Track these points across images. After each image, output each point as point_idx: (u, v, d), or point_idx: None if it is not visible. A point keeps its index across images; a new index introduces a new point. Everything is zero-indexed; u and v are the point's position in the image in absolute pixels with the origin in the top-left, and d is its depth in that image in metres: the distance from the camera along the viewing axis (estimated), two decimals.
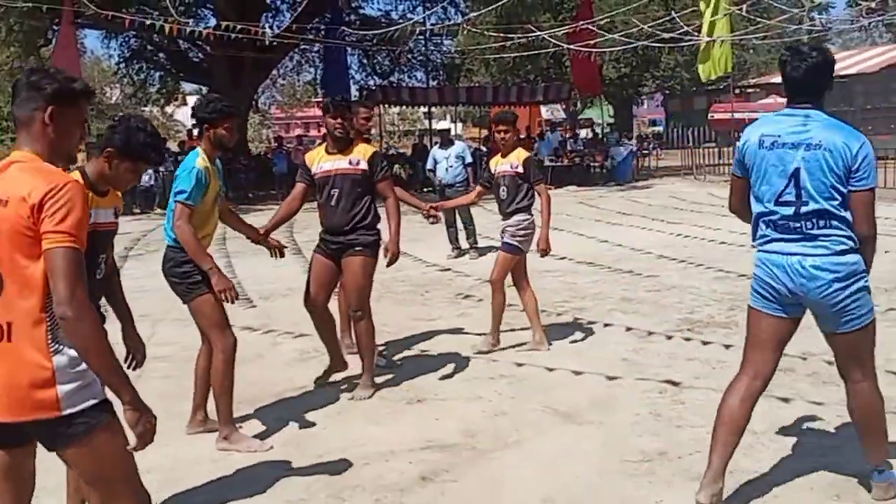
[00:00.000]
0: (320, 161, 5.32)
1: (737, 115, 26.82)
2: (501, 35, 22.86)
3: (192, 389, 4.81)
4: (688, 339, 6.31)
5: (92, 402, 2.42)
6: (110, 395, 2.50)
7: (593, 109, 38.46)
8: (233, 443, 4.48)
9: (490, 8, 20.54)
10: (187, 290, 4.47)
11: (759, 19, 21.96)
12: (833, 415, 4.57)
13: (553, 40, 21.93)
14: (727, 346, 6.03)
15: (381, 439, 4.53)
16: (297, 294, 6.65)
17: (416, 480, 4.00)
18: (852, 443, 4.16)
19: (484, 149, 26.36)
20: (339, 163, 5.24)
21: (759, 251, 3.51)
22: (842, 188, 3.29)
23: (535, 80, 30.09)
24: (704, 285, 8.27)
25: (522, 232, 6.12)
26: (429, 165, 12.01)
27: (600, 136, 28.19)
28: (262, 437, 4.64)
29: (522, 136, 25.34)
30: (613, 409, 4.86)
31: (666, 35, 21.66)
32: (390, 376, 5.69)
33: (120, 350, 2.91)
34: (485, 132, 31.64)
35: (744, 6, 19.00)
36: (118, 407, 2.50)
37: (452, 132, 13.00)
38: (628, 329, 6.69)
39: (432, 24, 25.10)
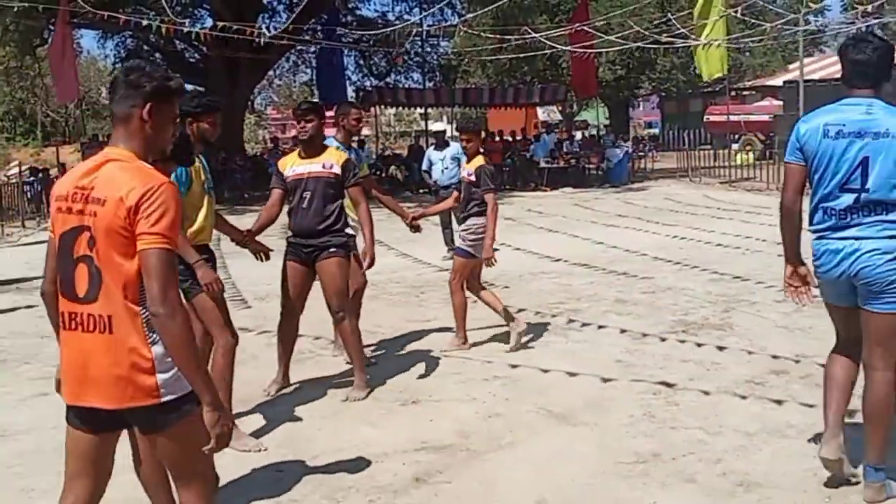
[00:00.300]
0: (293, 165, 5.35)
1: (732, 118, 26.92)
2: (498, 37, 22.88)
3: None
4: (682, 341, 6.31)
5: (186, 391, 2.51)
6: None
7: (589, 111, 38.52)
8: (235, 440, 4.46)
9: (486, 9, 20.56)
10: (189, 288, 4.48)
11: (754, 22, 21.99)
12: None
13: (549, 42, 21.95)
14: (721, 348, 6.04)
15: (375, 440, 4.53)
16: None
17: (410, 481, 4.00)
18: (844, 445, 4.18)
19: (481, 149, 26.41)
20: (313, 166, 5.27)
21: (817, 238, 3.59)
22: None
23: (532, 82, 30.11)
24: (699, 287, 8.28)
25: (473, 237, 6.22)
26: (424, 167, 11.99)
27: (596, 137, 28.21)
28: (255, 437, 4.64)
29: (518, 138, 25.42)
30: (608, 411, 4.87)
31: (662, 37, 21.69)
32: (384, 377, 5.69)
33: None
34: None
35: (739, 9, 19.03)
36: None
37: (448, 133, 12.95)
38: (623, 331, 6.69)
39: (429, 26, 25.12)
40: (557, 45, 22.69)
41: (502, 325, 7.09)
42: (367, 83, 28.89)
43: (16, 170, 27.54)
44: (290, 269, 5.37)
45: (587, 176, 23.60)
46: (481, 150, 6.46)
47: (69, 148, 31.97)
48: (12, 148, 40.79)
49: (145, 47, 27.78)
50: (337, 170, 5.26)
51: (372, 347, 6.47)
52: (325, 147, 5.41)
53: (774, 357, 5.76)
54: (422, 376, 5.73)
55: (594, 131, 31.80)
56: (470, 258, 6.26)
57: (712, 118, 31.34)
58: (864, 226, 3.42)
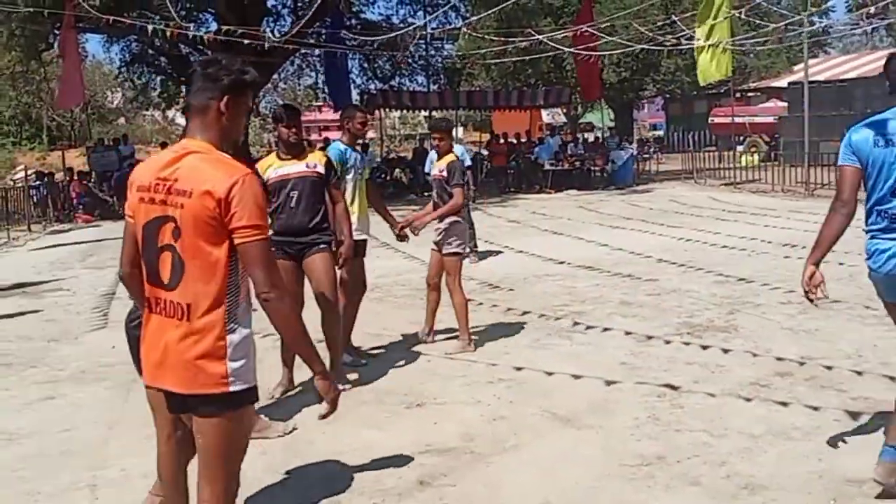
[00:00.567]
0: (274, 167, 5.44)
1: (737, 119, 26.86)
2: (502, 39, 22.88)
3: None
4: (687, 343, 6.31)
5: (250, 384, 2.60)
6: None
7: (594, 113, 38.49)
8: (256, 431, 4.44)
9: (490, 12, 20.55)
10: None
11: (759, 23, 21.96)
12: (830, 419, 4.57)
13: (553, 44, 21.94)
14: (726, 350, 6.03)
15: (380, 443, 4.53)
16: None
17: (415, 485, 4.00)
18: (849, 448, 4.18)
19: (485, 152, 26.42)
20: (296, 167, 5.39)
21: (870, 237, 3.77)
22: None
23: (536, 84, 30.11)
24: (704, 289, 8.27)
25: (456, 239, 6.40)
26: (426, 168, 11.92)
27: (601, 139, 28.19)
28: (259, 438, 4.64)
29: (523, 140, 25.43)
30: (612, 414, 4.86)
31: (666, 39, 21.67)
32: (389, 380, 5.69)
33: None
34: (486, 136, 31.71)
35: (743, 10, 19.02)
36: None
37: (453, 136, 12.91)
38: (627, 333, 6.68)
39: (433, 29, 25.13)
40: (562, 47, 22.67)
41: (508, 328, 7.11)
42: (372, 86, 28.90)
43: (22, 174, 27.61)
44: (280, 267, 5.40)
45: (592, 178, 23.58)
46: (453, 148, 6.65)
47: (75, 152, 32.01)
48: (18, 152, 40.85)
49: (150, 51, 27.79)
50: (321, 169, 5.42)
51: (377, 350, 6.48)
52: (305, 148, 5.56)
53: (779, 359, 5.75)
54: (426, 379, 5.73)
55: (598, 133, 31.76)
56: (459, 256, 6.44)
57: (717, 120, 31.29)
58: None
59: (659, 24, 23.20)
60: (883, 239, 3.69)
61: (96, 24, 20.23)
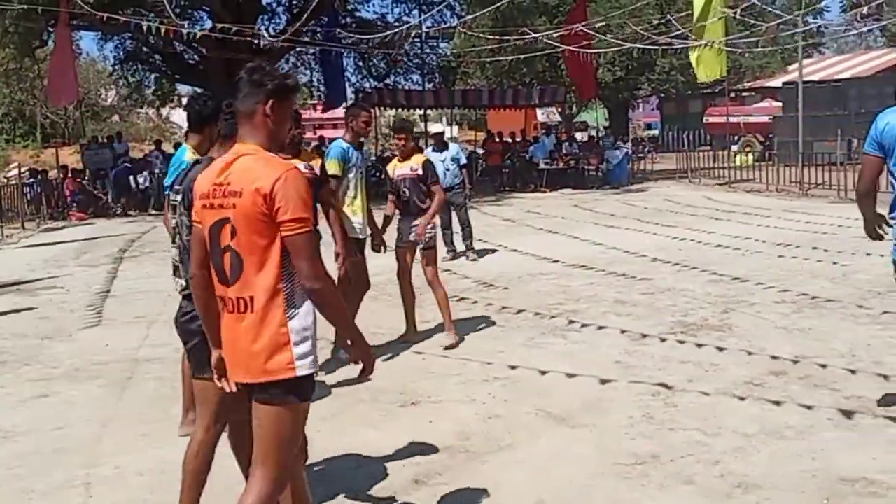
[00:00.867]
0: None
1: (732, 119, 26.91)
2: (497, 38, 22.89)
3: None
4: (682, 342, 6.32)
5: (313, 370, 2.76)
6: None
7: (589, 113, 38.52)
8: None
9: (485, 11, 20.56)
10: None
11: (753, 23, 22.00)
12: (824, 418, 4.59)
13: (549, 41, 21.94)
14: (721, 349, 6.05)
15: (375, 442, 4.54)
16: None
17: (410, 483, 4.00)
18: (843, 446, 4.20)
19: (480, 151, 26.42)
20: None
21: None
22: None
23: (531, 83, 30.12)
24: (699, 288, 8.28)
25: (432, 230, 6.66)
26: None
27: (596, 139, 28.22)
28: None
29: (518, 139, 25.44)
30: (606, 412, 4.87)
31: (661, 38, 21.70)
32: (384, 379, 5.69)
33: None
34: (481, 135, 31.70)
35: (738, 10, 19.05)
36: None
37: (448, 135, 12.88)
38: (622, 332, 6.70)
39: (428, 27, 25.11)
40: (557, 45, 22.67)
41: (500, 327, 7.12)
42: (367, 85, 28.89)
43: (15, 171, 27.54)
44: None
45: (586, 177, 23.60)
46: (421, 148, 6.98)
47: (69, 150, 31.94)
48: (12, 149, 40.77)
49: (144, 49, 27.72)
50: (317, 170, 5.43)
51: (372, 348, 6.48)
52: (300, 150, 5.55)
53: (773, 358, 5.76)
54: (421, 378, 5.73)
55: (592, 132, 31.78)
56: (435, 249, 6.68)
57: (712, 119, 31.33)
58: None
59: (654, 23, 23.22)
60: None
61: (90, 21, 20.18)
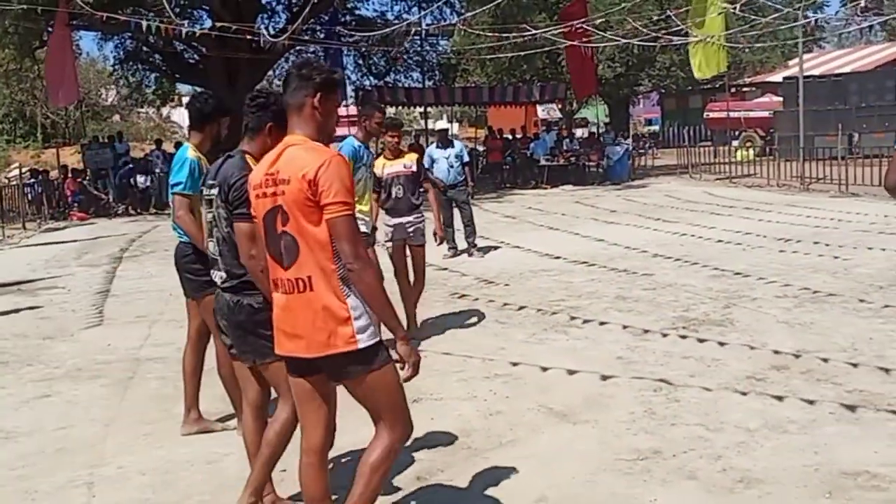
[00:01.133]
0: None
1: (732, 114, 26.89)
2: (497, 35, 22.85)
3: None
4: (683, 337, 6.32)
5: (376, 339, 2.88)
6: None
7: (589, 109, 38.45)
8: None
9: (485, 7, 20.52)
10: (200, 287, 4.56)
11: (753, 18, 21.96)
12: (826, 412, 4.59)
13: (550, 37, 21.90)
14: (722, 344, 6.05)
15: None
16: None
17: (412, 480, 4.00)
18: (845, 440, 4.20)
19: (481, 148, 26.40)
20: None
21: None
22: None
23: (531, 80, 30.08)
24: (700, 283, 8.28)
25: (423, 227, 6.85)
26: (425, 164, 11.67)
27: (596, 135, 28.20)
28: None
29: (518, 136, 25.42)
30: (608, 408, 4.87)
31: (660, 35, 21.66)
32: None
33: None
34: (482, 132, 31.68)
35: (737, 5, 19.00)
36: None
37: (449, 132, 12.78)
38: (624, 327, 6.69)
39: (428, 25, 25.10)
40: (557, 41, 22.63)
41: (502, 324, 7.13)
42: (367, 82, 28.88)
43: (16, 171, 27.56)
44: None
45: (587, 173, 23.59)
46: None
47: (69, 150, 31.96)
48: (12, 150, 40.77)
49: (144, 48, 27.70)
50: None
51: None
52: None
53: (775, 352, 5.76)
54: (423, 375, 5.70)
55: (593, 129, 31.73)
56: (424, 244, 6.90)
57: (712, 115, 31.33)
58: None
59: (654, 19, 23.15)
60: None
61: (90, 20, 20.17)
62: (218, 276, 3.63)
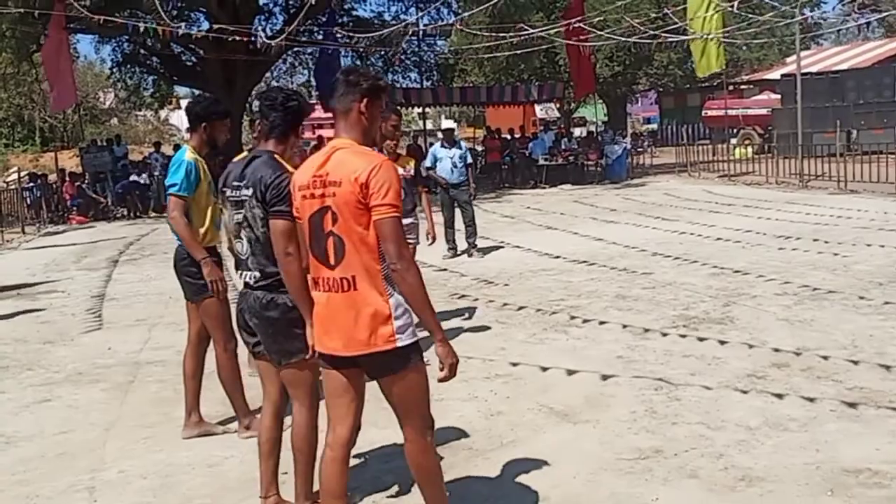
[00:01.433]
0: None
1: (730, 112, 26.90)
2: (494, 35, 22.85)
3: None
4: (683, 336, 6.32)
5: (415, 339, 2.98)
6: None
7: (587, 108, 38.47)
8: (255, 429, 4.46)
9: (482, 7, 20.51)
10: (199, 290, 4.57)
11: (750, 16, 21.96)
12: (827, 410, 4.59)
13: (548, 36, 21.89)
14: (722, 343, 6.05)
15: (379, 440, 4.52)
16: None
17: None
18: (846, 438, 4.20)
19: (480, 148, 26.40)
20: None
21: None
22: None
23: (529, 80, 30.09)
24: (700, 282, 8.28)
25: (416, 226, 6.75)
26: (428, 163, 11.37)
27: (594, 134, 28.20)
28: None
29: (517, 136, 25.41)
30: (609, 407, 4.87)
31: (658, 32, 21.65)
32: None
33: None
34: (480, 132, 31.68)
35: (735, 2, 19.00)
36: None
37: (455, 132, 12.54)
38: (624, 327, 6.69)
39: (425, 25, 25.08)
40: (555, 39, 22.62)
41: (502, 324, 7.12)
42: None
43: (15, 176, 27.54)
44: None
45: (586, 173, 23.59)
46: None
47: (68, 153, 31.96)
48: (11, 154, 40.81)
49: (142, 51, 27.69)
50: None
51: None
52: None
53: (775, 350, 5.76)
54: None
55: (592, 128, 31.74)
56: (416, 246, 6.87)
57: (710, 113, 31.35)
58: None
59: (652, 17, 23.16)
60: None
61: (87, 23, 20.15)
62: (249, 275, 3.59)
